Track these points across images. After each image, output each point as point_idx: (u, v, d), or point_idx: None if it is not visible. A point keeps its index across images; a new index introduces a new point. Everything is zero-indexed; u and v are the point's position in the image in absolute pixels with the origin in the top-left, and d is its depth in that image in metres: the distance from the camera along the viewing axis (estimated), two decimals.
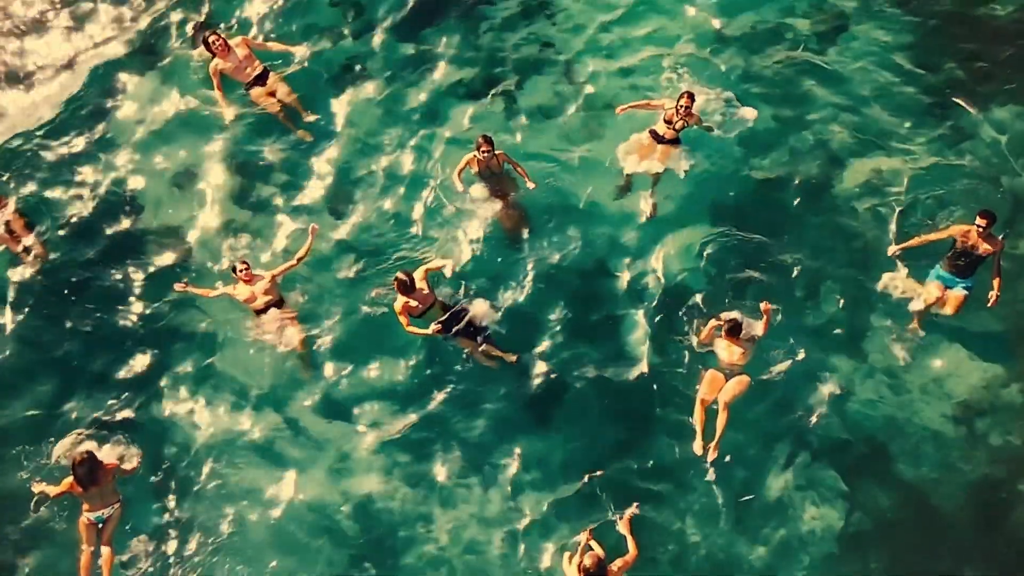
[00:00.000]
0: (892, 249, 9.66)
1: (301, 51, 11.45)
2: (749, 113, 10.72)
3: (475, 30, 11.83)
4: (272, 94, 10.87)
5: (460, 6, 12.01)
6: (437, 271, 9.56)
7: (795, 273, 9.88)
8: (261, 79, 10.87)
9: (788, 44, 11.48)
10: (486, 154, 9.74)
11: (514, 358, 9.32)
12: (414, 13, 11.96)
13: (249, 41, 10.95)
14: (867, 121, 10.84)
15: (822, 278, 9.86)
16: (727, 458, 8.87)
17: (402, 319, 9.15)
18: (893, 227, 10.06)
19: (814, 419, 9.20)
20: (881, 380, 9.40)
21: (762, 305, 9.01)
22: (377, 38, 11.82)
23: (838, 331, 9.64)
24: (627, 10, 11.87)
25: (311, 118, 11.00)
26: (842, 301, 9.75)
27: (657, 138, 10.25)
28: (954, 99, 10.95)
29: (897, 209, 10.16)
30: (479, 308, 9.47)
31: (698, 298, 9.81)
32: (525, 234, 10.20)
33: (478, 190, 10.17)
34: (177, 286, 9.70)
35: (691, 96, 9.93)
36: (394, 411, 9.42)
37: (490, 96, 11.31)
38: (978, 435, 9.15)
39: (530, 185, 10.00)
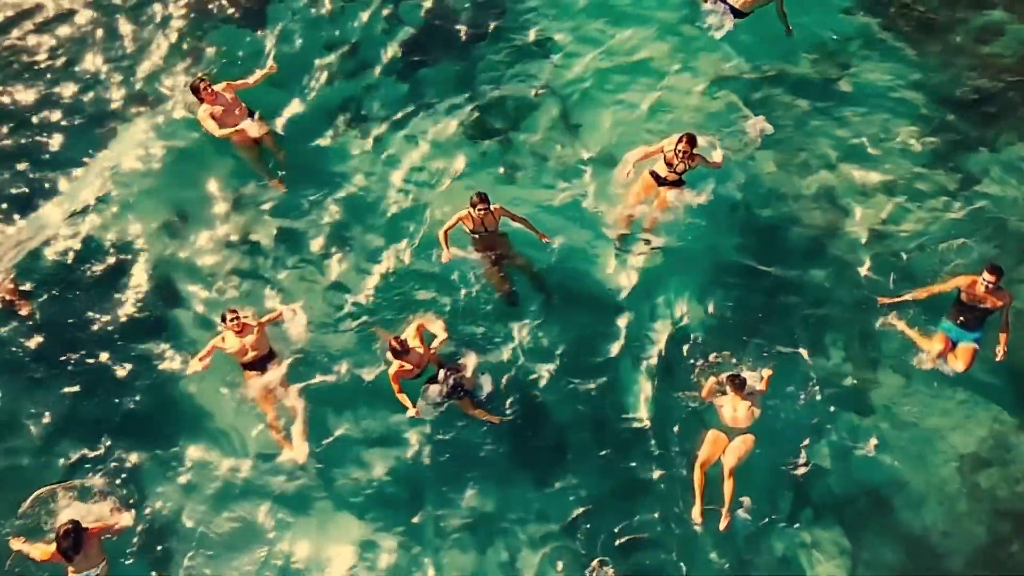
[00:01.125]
0: (883, 300, 9.66)
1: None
2: (764, 126, 10.90)
3: (471, 70, 11.82)
4: (256, 140, 10.81)
5: (454, 45, 11.97)
6: (431, 332, 9.42)
7: (799, 322, 9.86)
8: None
9: (792, 85, 11.45)
10: (481, 211, 9.57)
11: (497, 420, 9.25)
12: (408, 53, 11.92)
13: (233, 85, 10.93)
14: (872, 164, 10.83)
15: (826, 327, 9.86)
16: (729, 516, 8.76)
17: (395, 385, 9.04)
18: (896, 274, 10.07)
19: (817, 472, 9.14)
20: (886, 431, 9.36)
21: (763, 371, 9.04)
22: (370, 78, 11.80)
23: (842, 381, 9.59)
24: (627, 51, 11.87)
25: (280, 175, 11.05)
26: (846, 351, 9.72)
27: (658, 180, 10.14)
28: (962, 141, 10.96)
29: (903, 256, 10.18)
30: (471, 365, 9.38)
31: (699, 347, 9.78)
32: (519, 287, 10.14)
33: (472, 248, 10.05)
34: (193, 368, 9.45)
35: (691, 139, 9.77)
36: (385, 466, 9.37)
37: (485, 139, 11.25)
38: (984, 488, 9.11)
39: (545, 240, 9.98)
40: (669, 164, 9.96)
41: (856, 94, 11.31)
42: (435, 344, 9.17)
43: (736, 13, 11.52)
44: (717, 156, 10.15)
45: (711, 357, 9.57)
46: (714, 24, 11.82)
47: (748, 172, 10.71)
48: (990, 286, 8.87)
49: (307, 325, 9.81)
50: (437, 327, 9.38)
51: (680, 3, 12.15)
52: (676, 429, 9.28)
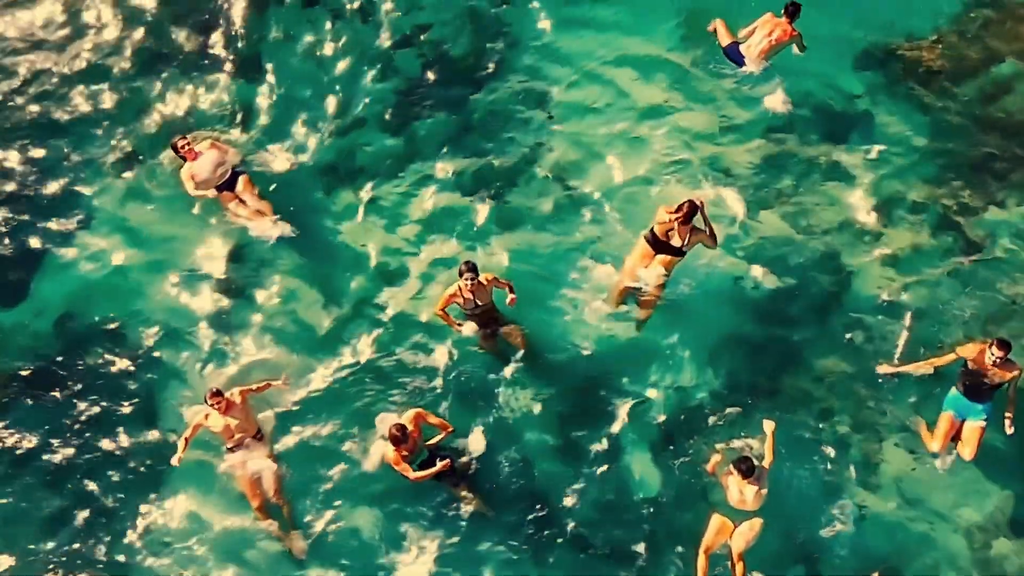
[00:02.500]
0: (883, 368, 9.72)
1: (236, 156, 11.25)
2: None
3: (467, 122, 11.80)
4: (242, 200, 10.80)
5: (451, 96, 11.93)
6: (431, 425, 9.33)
7: (804, 390, 9.94)
8: (230, 183, 10.80)
9: (796, 141, 11.49)
10: (470, 282, 9.29)
11: (491, 513, 9.30)
12: (402, 105, 11.91)
13: (218, 143, 10.96)
14: (878, 226, 10.88)
15: (833, 395, 9.92)
16: None
17: (400, 469, 8.99)
18: (901, 342, 10.13)
19: (826, 544, 9.20)
20: (895, 502, 9.44)
21: (765, 425, 9.07)
22: (364, 133, 11.75)
23: (849, 451, 9.66)
24: (630, 100, 11.83)
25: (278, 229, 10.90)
26: (853, 419, 9.79)
27: (655, 246, 9.84)
28: (969, 202, 11.02)
29: (907, 322, 10.22)
30: (467, 449, 9.42)
31: (703, 414, 9.85)
32: (515, 359, 10.12)
33: (467, 328, 9.91)
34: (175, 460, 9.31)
35: (691, 207, 9.48)
36: (380, 554, 9.39)
37: (481, 197, 11.22)
38: (996, 560, 9.20)
39: (509, 298, 9.73)
40: (667, 233, 9.69)
41: (861, 152, 11.39)
42: (434, 440, 9.19)
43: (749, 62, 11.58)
44: (712, 241, 9.85)
45: (713, 420, 9.72)
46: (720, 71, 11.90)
47: (751, 234, 10.78)
48: (998, 361, 8.87)
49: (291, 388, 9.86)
50: (437, 422, 9.31)
51: (686, 51, 12.17)
52: (679, 505, 9.36)
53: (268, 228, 10.74)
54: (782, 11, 11.24)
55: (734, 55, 11.56)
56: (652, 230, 9.62)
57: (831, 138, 11.46)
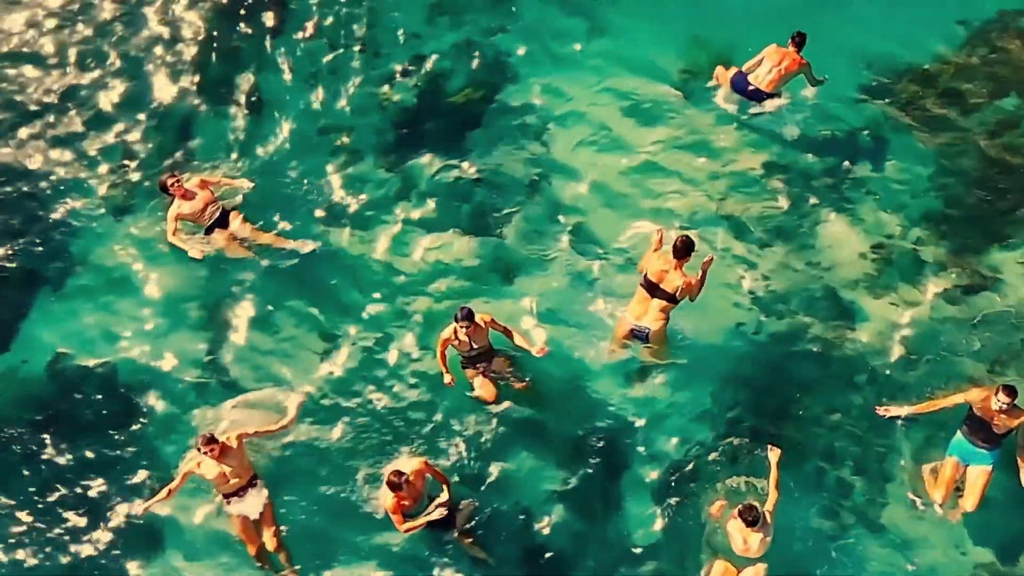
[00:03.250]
0: (884, 410, 9.55)
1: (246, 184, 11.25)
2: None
3: (463, 157, 11.76)
4: (235, 237, 10.77)
5: (448, 130, 11.93)
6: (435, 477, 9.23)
7: (807, 431, 9.90)
8: (222, 221, 10.76)
9: (799, 177, 11.49)
10: (465, 329, 9.28)
11: (491, 560, 9.24)
12: (399, 140, 11.89)
13: (207, 180, 10.87)
14: (881, 264, 10.87)
15: (835, 436, 9.87)
16: None
17: (395, 518, 8.87)
18: (905, 382, 10.10)
19: None
20: (897, 545, 9.38)
21: (771, 453, 9.03)
22: (359, 168, 11.71)
23: (852, 493, 9.64)
24: (627, 144, 11.80)
25: (306, 246, 10.88)
26: (856, 462, 9.75)
27: (650, 290, 9.62)
28: (974, 239, 11.03)
29: (911, 362, 10.20)
30: (466, 507, 9.34)
31: (705, 455, 9.78)
32: (513, 402, 10.00)
33: (465, 374, 9.86)
34: (143, 506, 9.25)
35: (684, 242, 9.31)
36: None
37: (479, 235, 11.18)
38: None
39: (535, 351, 9.62)
40: (662, 275, 9.48)
41: (865, 188, 11.38)
42: (440, 500, 9.08)
43: (759, 95, 11.55)
44: (696, 290, 9.57)
45: (715, 461, 9.68)
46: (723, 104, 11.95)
47: (753, 273, 10.77)
48: (1004, 406, 8.75)
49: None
50: (439, 476, 9.21)
51: (685, 84, 12.22)
52: (680, 550, 9.30)
53: (295, 247, 10.84)
54: (788, 41, 11.30)
55: (742, 87, 11.58)
56: (646, 275, 9.54)
57: (833, 174, 11.48)
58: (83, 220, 11.31)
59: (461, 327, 9.24)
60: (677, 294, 9.36)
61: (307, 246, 10.86)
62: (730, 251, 10.83)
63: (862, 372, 10.15)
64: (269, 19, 12.72)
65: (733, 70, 11.62)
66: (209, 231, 10.73)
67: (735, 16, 12.59)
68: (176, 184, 10.50)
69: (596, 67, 12.30)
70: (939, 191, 11.30)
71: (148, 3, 12.77)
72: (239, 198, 11.10)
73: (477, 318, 9.34)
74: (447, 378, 9.69)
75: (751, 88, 11.49)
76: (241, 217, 10.82)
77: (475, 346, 9.56)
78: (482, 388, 9.82)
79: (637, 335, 9.83)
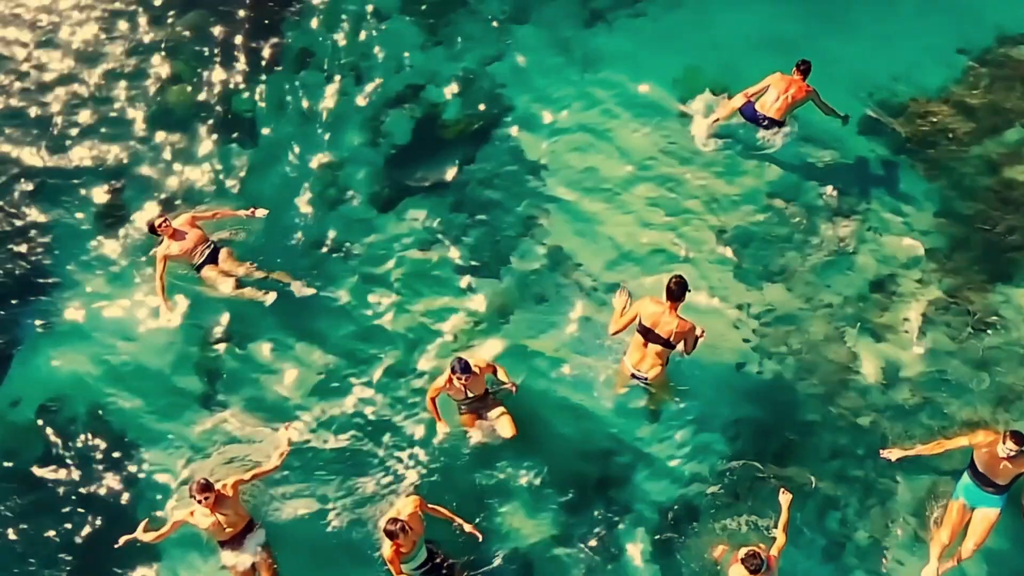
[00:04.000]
0: (888, 453, 9.50)
1: (262, 212, 11.25)
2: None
3: (458, 193, 11.76)
4: (226, 272, 10.73)
5: (442, 166, 11.90)
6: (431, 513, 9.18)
7: (810, 472, 9.87)
8: (212, 257, 10.79)
9: (801, 213, 11.45)
10: (461, 380, 9.22)
11: None
12: (392, 178, 11.90)
13: (196, 216, 10.85)
14: (883, 304, 10.84)
15: (839, 477, 9.86)
16: None
17: (392, 568, 8.76)
18: (909, 423, 10.07)
19: None
20: None
21: (782, 498, 8.99)
22: (352, 205, 11.70)
23: (855, 535, 9.61)
24: (625, 177, 11.78)
25: (301, 290, 10.80)
26: (860, 503, 9.74)
27: (646, 335, 9.53)
28: (977, 277, 11.01)
29: (915, 402, 10.17)
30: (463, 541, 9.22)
31: (705, 502, 9.72)
32: (509, 448, 9.94)
33: (461, 421, 9.81)
34: (123, 539, 9.14)
35: (678, 282, 9.14)
36: None
37: (474, 275, 11.12)
38: None
39: (510, 386, 9.62)
40: (654, 322, 9.37)
41: (867, 225, 11.36)
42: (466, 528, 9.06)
43: (770, 122, 11.56)
44: (689, 347, 9.50)
45: (717, 503, 9.64)
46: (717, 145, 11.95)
47: (755, 311, 10.74)
48: (1011, 453, 8.63)
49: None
50: (437, 511, 9.11)
51: (685, 114, 12.19)
52: None
53: (283, 279, 10.82)
54: (793, 69, 11.31)
55: (751, 115, 11.61)
56: (640, 320, 9.50)
57: (835, 208, 11.49)
58: (71, 261, 11.36)
59: (459, 379, 9.18)
60: (672, 339, 9.31)
61: (302, 290, 10.82)
62: (731, 289, 10.85)
63: (865, 412, 10.14)
64: (264, 51, 12.83)
65: (739, 99, 11.62)
66: (199, 268, 10.73)
67: (732, 46, 12.62)
68: (164, 224, 10.48)
69: (592, 98, 12.34)
70: (943, 227, 11.31)
71: (137, 37, 12.89)
72: (228, 234, 11.18)
73: (473, 366, 9.26)
74: (441, 428, 9.71)
75: (760, 116, 11.52)
76: (231, 254, 10.84)
77: (471, 394, 9.51)
78: (481, 432, 9.81)
79: (638, 380, 9.83)
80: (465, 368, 9.12)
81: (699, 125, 11.87)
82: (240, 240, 11.17)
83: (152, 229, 10.57)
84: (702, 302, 10.58)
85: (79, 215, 11.59)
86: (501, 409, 9.75)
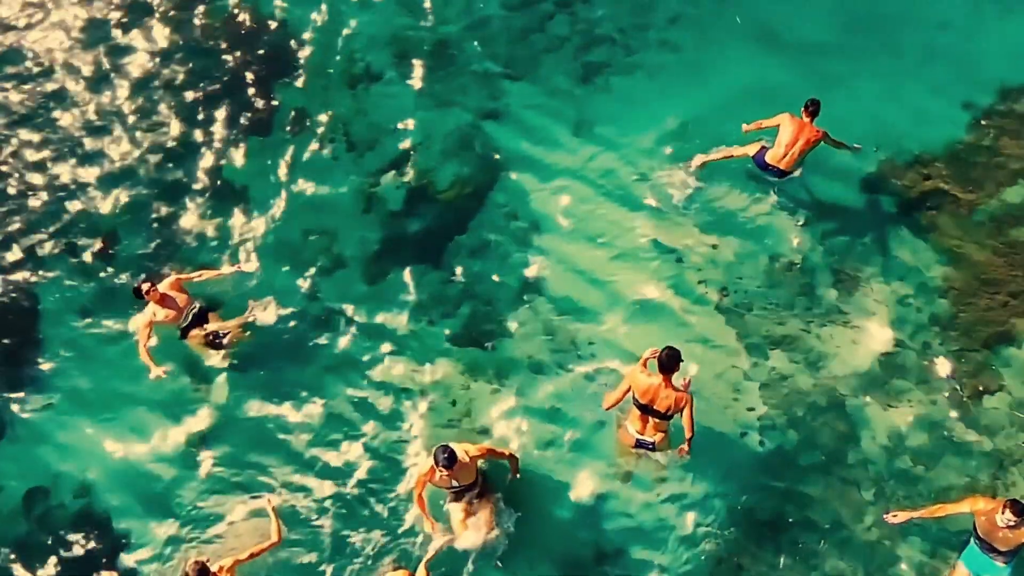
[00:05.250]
0: (892, 516, 9.47)
1: (250, 266, 11.44)
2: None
3: (451, 262, 11.79)
4: (213, 335, 10.86)
5: (434, 234, 11.93)
6: None
7: (815, 541, 9.96)
8: (199, 320, 10.89)
9: (803, 276, 11.48)
10: (445, 472, 8.87)
11: None
12: (385, 244, 11.90)
13: (181, 279, 10.92)
14: (886, 374, 10.89)
15: (844, 546, 9.93)
16: None
17: None
18: (913, 487, 10.16)
19: None
20: None
21: None
22: (343, 276, 11.70)
23: None
24: (622, 239, 11.79)
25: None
26: (866, 571, 9.81)
27: (643, 409, 9.57)
28: (981, 338, 11.05)
29: (918, 467, 10.27)
30: None
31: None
32: (505, 534, 9.90)
33: (451, 512, 9.69)
34: None
35: (670, 355, 9.06)
36: None
37: (469, 347, 11.13)
38: None
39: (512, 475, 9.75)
40: (651, 399, 9.40)
41: (870, 288, 11.38)
42: None
43: (780, 173, 11.61)
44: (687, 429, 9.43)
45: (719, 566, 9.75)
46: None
47: (756, 378, 10.79)
48: (1011, 523, 8.70)
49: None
50: None
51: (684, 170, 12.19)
52: None
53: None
54: (802, 110, 11.27)
55: (762, 165, 11.69)
56: (635, 396, 9.47)
57: (838, 271, 11.57)
58: (57, 332, 11.42)
59: (441, 468, 8.83)
60: (670, 412, 9.42)
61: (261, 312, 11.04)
62: (733, 353, 10.97)
63: (868, 479, 10.27)
64: (256, 114, 12.92)
65: (752, 147, 11.71)
66: (185, 332, 10.86)
67: (731, 100, 12.63)
68: (152, 290, 10.50)
69: (587, 156, 12.46)
70: (946, 290, 11.41)
71: (127, 98, 13.00)
72: (233, 335, 11.18)
73: (460, 454, 8.95)
74: (429, 528, 9.68)
75: (771, 167, 11.62)
76: (219, 316, 11.00)
77: (458, 483, 9.29)
78: (470, 525, 9.61)
79: (643, 446, 9.94)
80: (449, 460, 8.76)
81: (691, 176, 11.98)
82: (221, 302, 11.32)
83: (138, 294, 10.58)
84: (702, 368, 10.70)
85: (68, 283, 11.67)
86: (491, 507, 9.71)
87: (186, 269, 11.34)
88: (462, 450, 9.02)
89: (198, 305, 10.86)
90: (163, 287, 10.62)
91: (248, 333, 11.02)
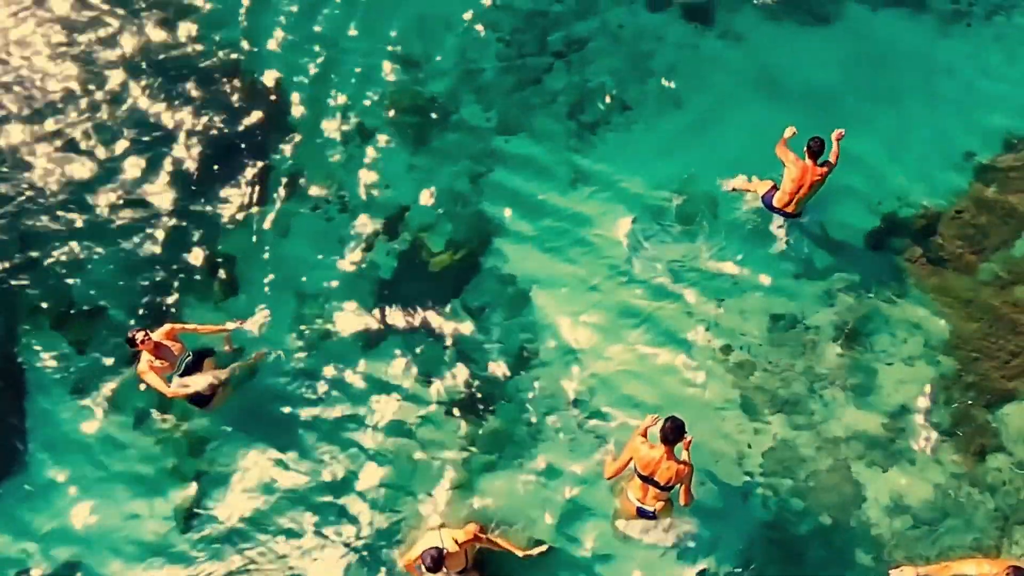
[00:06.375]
0: (898, 572, 9.49)
1: (250, 324, 11.50)
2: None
3: (445, 333, 11.79)
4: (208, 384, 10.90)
5: (427, 304, 11.89)
6: None
7: None
8: (192, 369, 10.94)
9: (807, 334, 11.55)
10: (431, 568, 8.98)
11: None
12: (376, 314, 11.89)
13: (176, 328, 10.94)
14: (889, 433, 10.98)
15: None
16: None
17: None
18: (913, 549, 10.29)
19: None
20: None
21: None
22: (334, 348, 11.70)
23: None
24: (619, 309, 11.82)
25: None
26: None
27: (644, 479, 9.71)
28: (985, 400, 11.16)
29: (922, 530, 10.38)
30: None
31: None
32: None
33: None
34: None
35: (675, 428, 9.23)
36: None
37: (463, 421, 11.17)
38: None
39: (521, 554, 9.85)
40: (651, 470, 9.60)
41: (873, 351, 11.45)
42: None
43: (786, 215, 11.86)
44: (685, 498, 9.72)
45: None
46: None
47: (760, 444, 10.90)
48: None
49: None
50: None
51: (678, 239, 12.19)
52: None
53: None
54: (804, 150, 11.30)
55: (769, 206, 11.87)
56: (637, 468, 9.66)
57: (842, 328, 11.61)
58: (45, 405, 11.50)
59: (431, 565, 8.92)
60: (671, 483, 9.66)
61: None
62: (735, 419, 11.07)
63: (872, 542, 10.40)
64: (249, 178, 12.86)
65: (768, 184, 11.83)
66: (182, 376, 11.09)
67: (732, 151, 12.70)
68: (146, 339, 10.49)
69: (583, 215, 12.48)
70: (950, 350, 11.52)
71: (121, 161, 12.94)
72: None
73: (449, 544, 9.26)
74: None
75: (777, 210, 11.82)
76: (214, 363, 11.11)
77: (448, 569, 9.43)
78: None
79: (644, 515, 10.11)
80: (435, 566, 8.88)
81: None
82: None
83: (131, 343, 10.54)
84: (705, 433, 10.84)
85: (50, 363, 11.75)
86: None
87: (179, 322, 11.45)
88: (451, 538, 9.36)
89: (191, 353, 10.88)
90: (157, 336, 10.64)
91: (232, 390, 11.18)
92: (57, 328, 11.83)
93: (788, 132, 11.45)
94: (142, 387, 10.95)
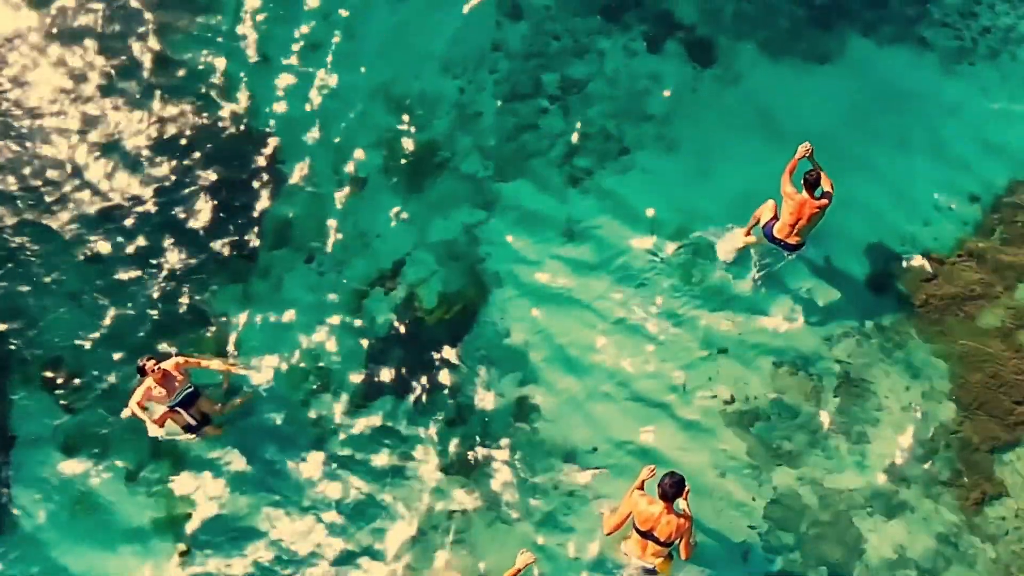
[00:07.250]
0: None
1: (260, 376, 11.63)
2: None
3: (439, 386, 11.81)
4: (199, 416, 11.18)
5: (423, 365, 11.85)
6: None
7: None
8: (187, 402, 11.09)
9: (810, 379, 11.60)
10: None
11: None
12: (370, 369, 11.87)
13: (188, 362, 11.13)
14: (892, 484, 11.05)
15: None
16: None
17: None
18: None
19: None
20: None
21: None
22: (328, 401, 11.66)
23: None
24: (619, 365, 11.81)
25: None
26: None
27: (643, 535, 9.83)
28: (988, 444, 11.25)
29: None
30: None
31: None
32: None
33: None
34: None
35: (676, 485, 9.33)
36: None
37: (461, 473, 11.21)
38: None
39: None
40: (651, 526, 9.69)
41: (876, 402, 11.52)
42: None
43: (789, 247, 11.93)
44: (686, 552, 9.76)
45: None
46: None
47: (761, 497, 10.95)
48: None
49: None
50: None
51: (674, 289, 12.23)
52: None
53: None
54: (802, 183, 11.41)
55: (770, 237, 12.01)
56: (636, 524, 9.78)
57: (844, 375, 11.72)
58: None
59: None
60: (670, 539, 9.76)
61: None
62: (737, 471, 11.14)
63: None
64: (243, 226, 12.84)
65: (772, 209, 11.93)
66: (173, 408, 11.06)
67: (730, 194, 12.75)
68: (156, 369, 10.77)
69: (578, 266, 12.50)
70: (953, 397, 11.63)
71: (120, 218, 12.87)
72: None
73: None
74: None
75: (778, 240, 11.96)
76: (210, 399, 11.31)
77: None
78: None
79: (644, 571, 10.28)
80: None
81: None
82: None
83: (141, 372, 10.85)
84: (707, 484, 10.99)
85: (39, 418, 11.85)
86: None
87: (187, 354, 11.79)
88: None
89: (192, 385, 11.10)
90: (167, 365, 10.93)
91: (222, 430, 11.33)
92: (46, 384, 11.78)
93: (801, 150, 11.38)
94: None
